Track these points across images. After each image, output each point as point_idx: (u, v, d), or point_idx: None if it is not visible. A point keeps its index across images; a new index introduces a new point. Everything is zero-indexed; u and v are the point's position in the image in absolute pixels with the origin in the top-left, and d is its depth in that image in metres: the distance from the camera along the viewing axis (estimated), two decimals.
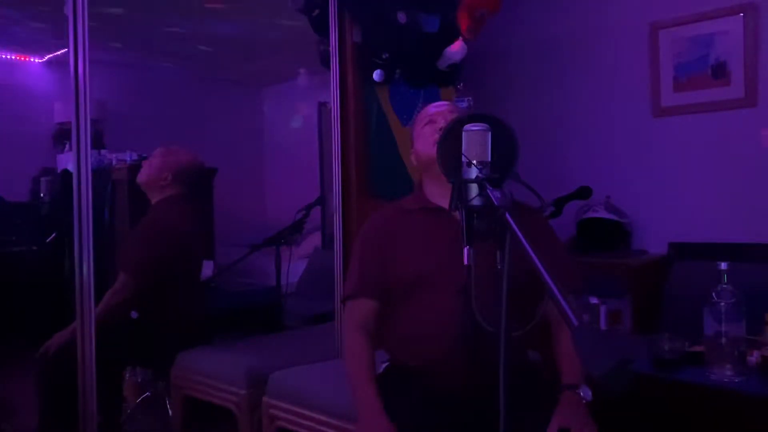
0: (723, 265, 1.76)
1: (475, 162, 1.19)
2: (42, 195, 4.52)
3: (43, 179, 4.57)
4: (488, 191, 1.13)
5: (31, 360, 2.43)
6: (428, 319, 1.59)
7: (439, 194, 1.66)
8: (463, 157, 1.21)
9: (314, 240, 4.96)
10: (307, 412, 2.04)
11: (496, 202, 1.10)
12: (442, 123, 1.62)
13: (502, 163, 1.24)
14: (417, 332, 1.61)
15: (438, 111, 1.70)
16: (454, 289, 1.46)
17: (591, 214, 3.06)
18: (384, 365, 1.73)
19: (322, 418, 1.99)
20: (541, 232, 1.64)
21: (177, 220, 2.66)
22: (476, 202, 1.16)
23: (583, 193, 2.88)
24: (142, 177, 2.75)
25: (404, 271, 1.63)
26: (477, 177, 1.17)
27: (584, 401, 1.47)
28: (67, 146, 4.59)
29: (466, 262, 1.17)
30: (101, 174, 4.01)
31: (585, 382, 1.50)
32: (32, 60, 5.18)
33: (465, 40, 2.91)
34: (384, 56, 2.75)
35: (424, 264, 1.61)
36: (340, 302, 2.18)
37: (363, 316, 1.67)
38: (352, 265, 1.75)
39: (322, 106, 5.10)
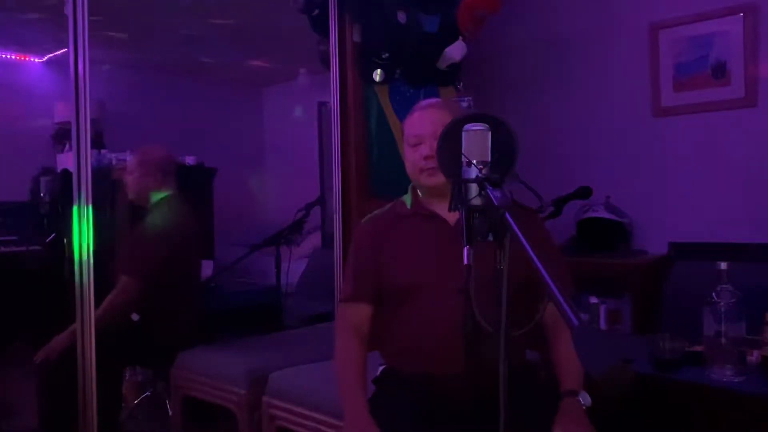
0: (723, 265, 1.76)
1: (475, 162, 1.19)
2: (42, 195, 4.51)
3: (43, 179, 4.56)
4: (488, 191, 1.13)
5: (31, 360, 2.43)
6: (424, 326, 1.58)
7: (431, 200, 1.67)
8: (463, 157, 1.20)
9: (314, 240, 4.95)
10: (307, 412, 2.05)
11: (496, 202, 1.10)
12: (427, 151, 1.61)
13: (502, 163, 1.24)
14: (413, 341, 1.60)
15: (423, 132, 1.65)
16: (449, 296, 1.45)
17: (591, 214, 3.06)
18: (381, 368, 1.73)
19: (322, 417, 1.99)
20: (537, 233, 1.64)
21: (173, 220, 2.66)
22: (476, 202, 1.16)
23: (583, 193, 2.88)
24: (132, 193, 2.74)
25: (398, 277, 1.63)
26: (477, 177, 1.17)
27: (584, 408, 1.47)
28: (67, 146, 4.59)
29: (465, 262, 1.17)
30: (101, 174, 4.01)
31: (584, 387, 1.49)
32: (32, 60, 5.18)
33: (465, 40, 2.91)
34: (384, 56, 2.75)
35: (418, 270, 1.61)
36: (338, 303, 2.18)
37: (357, 319, 1.67)
38: (347, 269, 1.76)
39: (322, 106, 5.11)
